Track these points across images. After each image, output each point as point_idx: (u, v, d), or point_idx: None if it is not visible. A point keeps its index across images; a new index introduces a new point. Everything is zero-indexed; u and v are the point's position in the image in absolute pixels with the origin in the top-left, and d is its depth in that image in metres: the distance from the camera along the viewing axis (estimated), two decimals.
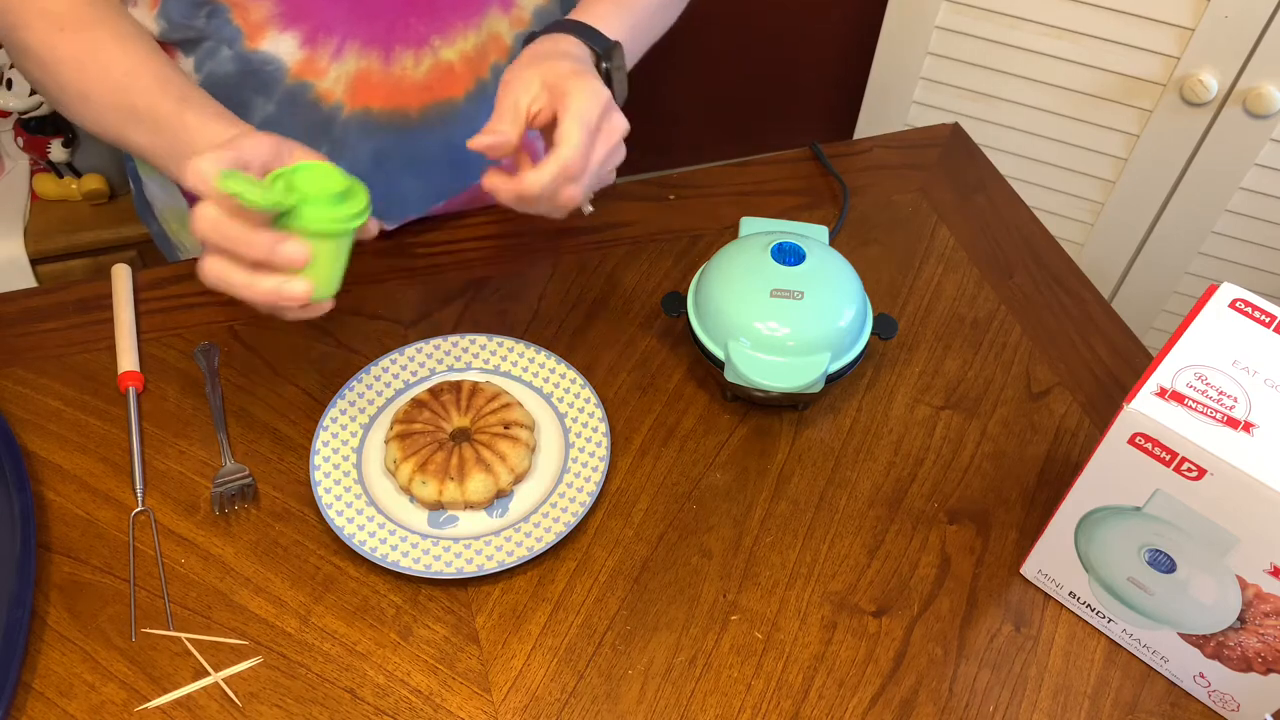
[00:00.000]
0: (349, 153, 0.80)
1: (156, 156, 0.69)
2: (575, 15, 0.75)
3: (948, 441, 0.75)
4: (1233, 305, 0.59)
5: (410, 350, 0.77)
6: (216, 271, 0.59)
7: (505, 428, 0.70)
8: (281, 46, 0.75)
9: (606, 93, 0.66)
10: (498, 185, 0.66)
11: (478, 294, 0.83)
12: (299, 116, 0.78)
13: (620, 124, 0.68)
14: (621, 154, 0.70)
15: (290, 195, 0.58)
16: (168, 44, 0.75)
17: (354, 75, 0.77)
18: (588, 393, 0.75)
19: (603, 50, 0.71)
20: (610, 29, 0.73)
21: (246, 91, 0.76)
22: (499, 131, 0.65)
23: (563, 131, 0.64)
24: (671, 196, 0.93)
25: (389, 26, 0.76)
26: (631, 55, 0.77)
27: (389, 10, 0.76)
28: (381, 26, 0.76)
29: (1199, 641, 0.60)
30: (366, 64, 0.77)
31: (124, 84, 0.68)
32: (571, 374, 0.76)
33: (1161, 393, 0.55)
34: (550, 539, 0.66)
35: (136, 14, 0.75)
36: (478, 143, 0.65)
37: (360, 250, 0.86)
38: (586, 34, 0.72)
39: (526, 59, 0.69)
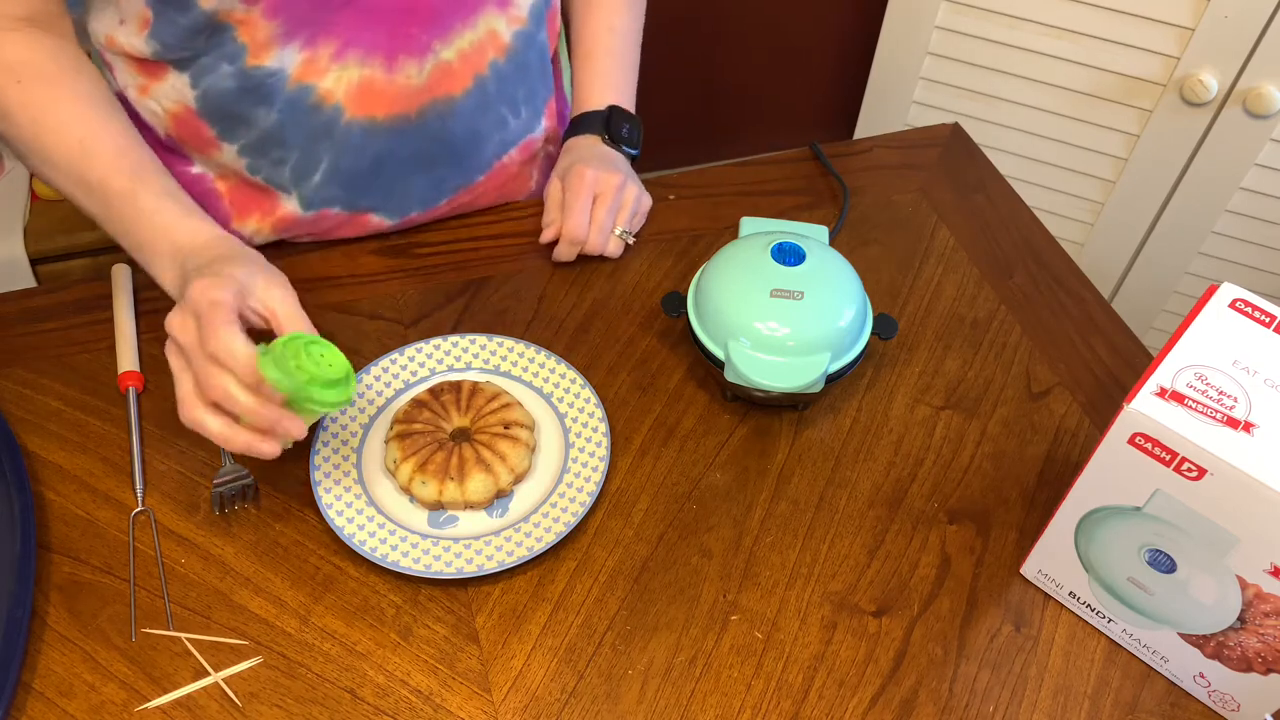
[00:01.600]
0: (350, 154, 0.80)
1: (109, 230, 0.72)
2: (576, 94, 0.93)
3: (948, 441, 0.75)
4: (1233, 305, 0.59)
5: (410, 350, 0.77)
6: (199, 420, 0.63)
7: (505, 428, 0.70)
8: (285, 59, 0.74)
9: (592, 172, 0.84)
10: (558, 252, 0.85)
11: (478, 294, 0.83)
12: (300, 123, 0.78)
13: (612, 182, 0.85)
14: (631, 201, 0.86)
15: (301, 374, 0.62)
16: (160, 62, 0.74)
17: (356, 83, 0.77)
18: (588, 393, 0.75)
19: (601, 128, 0.90)
20: (606, 91, 0.92)
21: (246, 105, 0.76)
22: (551, 221, 0.85)
23: (566, 207, 0.84)
24: (671, 196, 0.93)
25: (390, 34, 0.76)
26: (632, 74, 0.94)
27: (389, 19, 0.75)
28: (383, 34, 0.76)
29: (1199, 641, 0.60)
30: (369, 72, 0.77)
31: (79, 150, 0.70)
32: (571, 374, 0.76)
33: (1161, 393, 0.55)
34: (550, 539, 0.66)
35: (122, 35, 0.74)
36: (546, 237, 0.85)
37: (361, 251, 0.86)
38: (586, 124, 0.90)
39: (555, 171, 0.89)
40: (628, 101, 0.92)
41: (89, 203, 0.71)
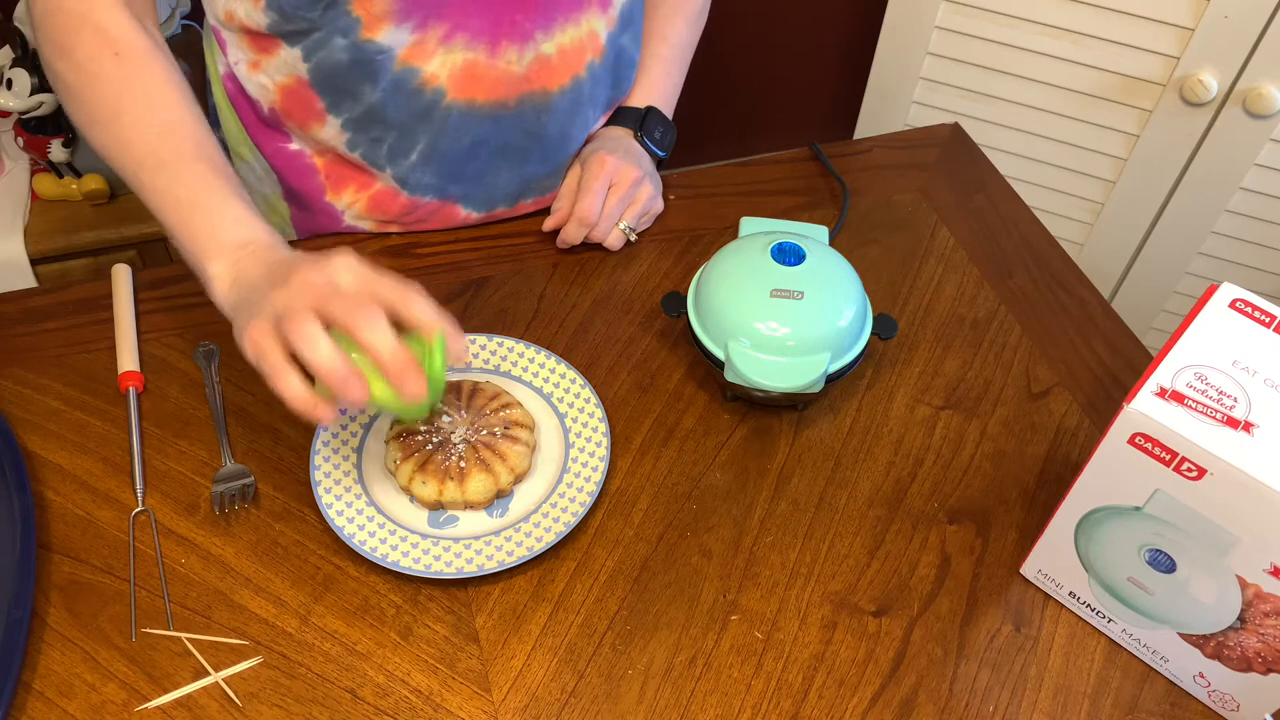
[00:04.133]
0: (448, 138, 0.82)
1: (164, 211, 0.67)
2: (634, 86, 0.94)
3: (948, 441, 0.75)
4: (1233, 305, 0.59)
5: None
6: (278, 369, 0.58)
7: (505, 428, 0.70)
8: (396, 37, 0.76)
9: (614, 160, 0.85)
10: (565, 232, 0.86)
11: (478, 294, 0.83)
12: (401, 104, 0.79)
13: (630, 174, 0.86)
14: (643, 199, 0.87)
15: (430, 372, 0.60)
16: (272, 35, 0.76)
17: (460, 66, 0.79)
18: (588, 393, 0.75)
19: (636, 124, 0.91)
20: (650, 94, 0.93)
21: (355, 79, 0.77)
22: (558, 209, 0.87)
23: (581, 189, 0.85)
24: (671, 196, 0.93)
25: (495, 20, 0.78)
26: (677, 84, 0.96)
27: (497, 3, 0.77)
28: (489, 19, 0.77)
29: (1199, 641, 0.60)
30: (473, 56, 0.78)
31: (160, 128, 0.68)
32: (571, 374, 0.76)
33: (1161, 393, 0.55)
34: (550, 539, 0.66)
35: (241, 9, 0.76)
36: (549, 224, 0.87)
37: (362, 251, 0.86)
38: (622, 117, 0.92)
39: (579, 156, 0.89)
40: (667, 109, 0.94)
41: (154, 175, 0.68)
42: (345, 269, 0.60)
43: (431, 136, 0.81)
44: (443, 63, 0.78)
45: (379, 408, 0.61)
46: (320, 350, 0.57)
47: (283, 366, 0.58)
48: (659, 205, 0.90)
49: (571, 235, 0.85)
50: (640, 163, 0.87)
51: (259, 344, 0.58)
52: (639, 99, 0.93)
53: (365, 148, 0.82)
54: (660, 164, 0.93)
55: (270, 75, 0.79)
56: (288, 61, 0.78)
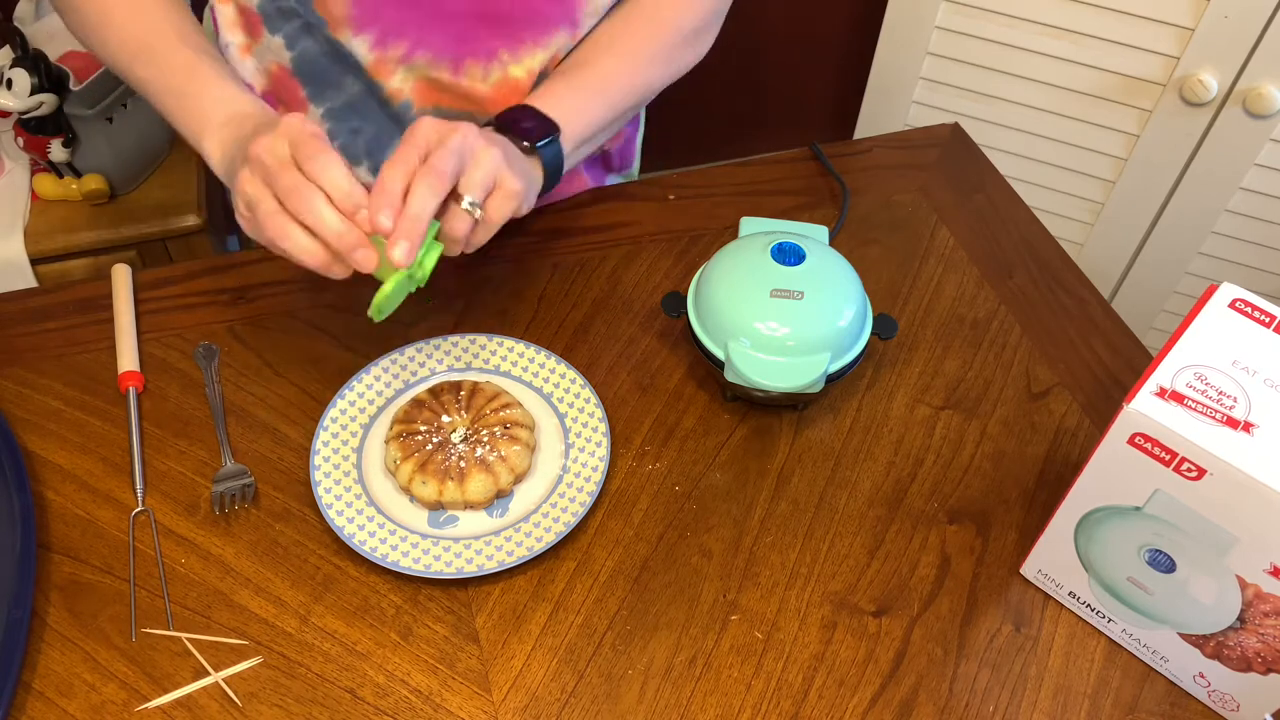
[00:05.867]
0: None
1: (158, 95, 0.73)
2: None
3: (948, 441, 0.75)
4: (1232, 305, 0.59)
5: (410, 350, 0.77)
6: (285, 232, 0.62)
7: (505, 428, 0.70)
8: (356, 46, 0.78)
9: (432, 121, 0.65)
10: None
11: (478, 294, 0.83)
12: (375, 106, 0.81)
13: (452, 132, 0.64)
14: (486, 162, 0.65)
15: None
16: (262, 17, 0.78)
17: (422, 81, 0.80)
18: (588, 393, 0.75)
19: (491, 120, 0.73)
20: (540, 102, 0.75)
21: (334, 72, 0.79)
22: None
23: (384, 167, 0.64)
24: (671, 196, 0.93)
25: (459, 37, 0.77)
26: (584, 111, 0.77)
27: (460, 19, 0.77)
28: (452, 36, 0.77)
29: (1199, 641, 0.60)
30: (436, 74, 0.80)
31: (153, 16, 0.73)
32: (571, 374, 0.76)
33: (1161, 393, 0.55)
34: (550, 539, 0.66)
35: None
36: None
37: None
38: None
39: None
40: (568, 131, 0.75)
41: (145, 69, 0.73)
42: (266, 151, 0.63)
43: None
44: (405, 78, 0.80)
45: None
46: (303, 247, 0.62)
47: (284, 223, 0.62)
48: (516, 183, 0.66)
49: (390, 188, 0.61)
50: (481, 131, 0.67)
51: (247, 194, 0.63)
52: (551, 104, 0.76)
53: (345, 138, 0.84)
54: (548, 174, 0.74)
55: (259, 60, 0.81)
56: (273, 49, 0.79)
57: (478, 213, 0.65)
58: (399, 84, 0.80)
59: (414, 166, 0.63)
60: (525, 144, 0.72)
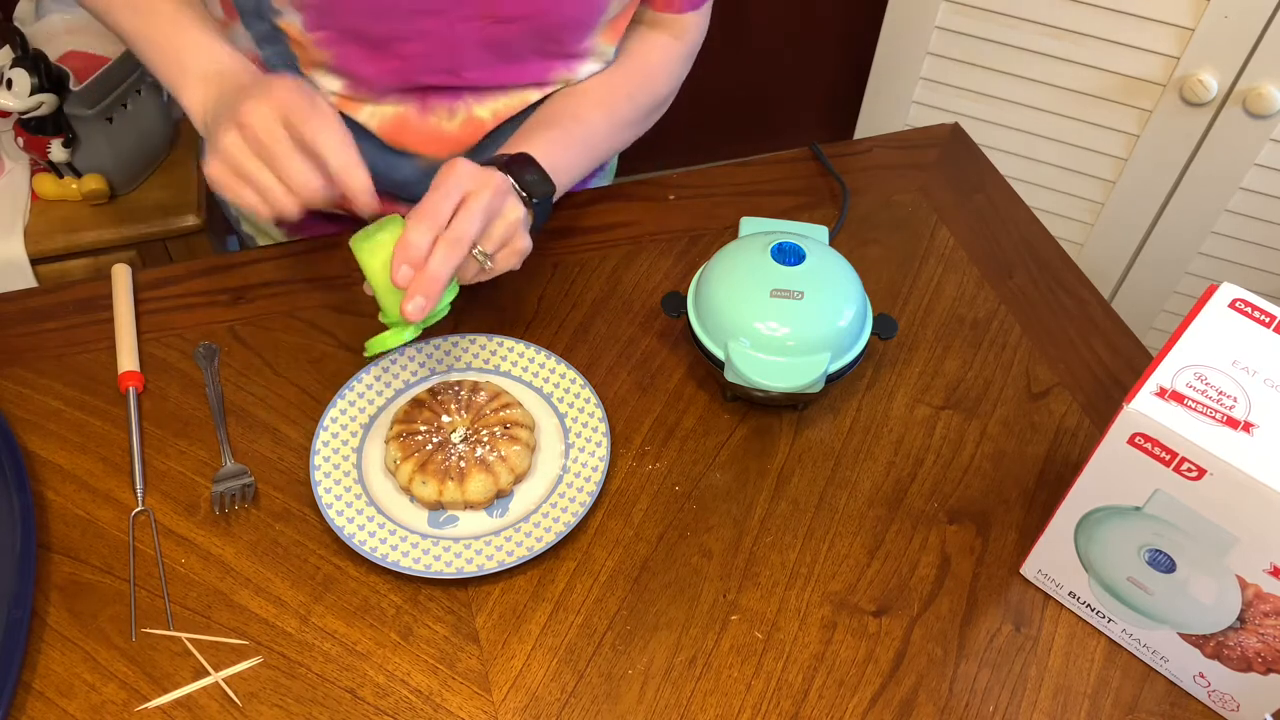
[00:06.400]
0: (397, 171, 0.84)
1: (140, 46, 0.74)
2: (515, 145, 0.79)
3: (948, 441, 0.75)
4: (1233, 305, 0.59)
5: (410, 350, 0.77)
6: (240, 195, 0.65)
7: (505, 428, 0.70)
8: (325, 83, 0.79)
9: (469, 167, 0.67)
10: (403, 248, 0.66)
11: (478, 294, 0.83)
12: (347, 124, 0.81)
13: (489, 181, 0.67)
14: (511, 217, 0.69)
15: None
16: (239, 11, 0.78)
17: (390, 118, 0.81)
18: (588, 393, 0.75)
19: (499, 163, 0.72)
20: (534, 151, 0.76)
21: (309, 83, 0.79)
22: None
23: (423, 199, 0.66)
24: (671, 196, 0.93)
25: (426, 94, 0.80)
26: (570, 166, 0.80)
27: (427, 80, 0.79)
28: (421, 90, 0.80)
29: (1199, 641, 0.60)
30: (403, 110, 0.81)
31: None
32: (571, 374, 0.76)
33: (1161, 393, 0.55)
34: (550, 539, 0.66)
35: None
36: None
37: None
38: (491, 159, 0.74)
39: None
40: (555, 178, 0.76)
41: (129, 19, 0.74)
42: (263, 116, 0.64)
43: (370, 161, 0.76)
44: (372, 114, 0.81)
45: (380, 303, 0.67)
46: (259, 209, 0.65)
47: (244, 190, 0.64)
48: (526, 242, 0.71)
49: (415, 244, 0.63)
50: (509, 188, 0.70)
51: (217, 177, 0.65)
52: (513, 150, 0.77)
53: None
54: (535, 224, 0.74)
55: (236, 42, 0.80)
56: (244, 46, 0.79)
57: (488, 264, 0.68)
58: (365, 118, 0.81)
59: (443, 221, 0.64)
60: (524, 195, 0.72)
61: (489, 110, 0.82)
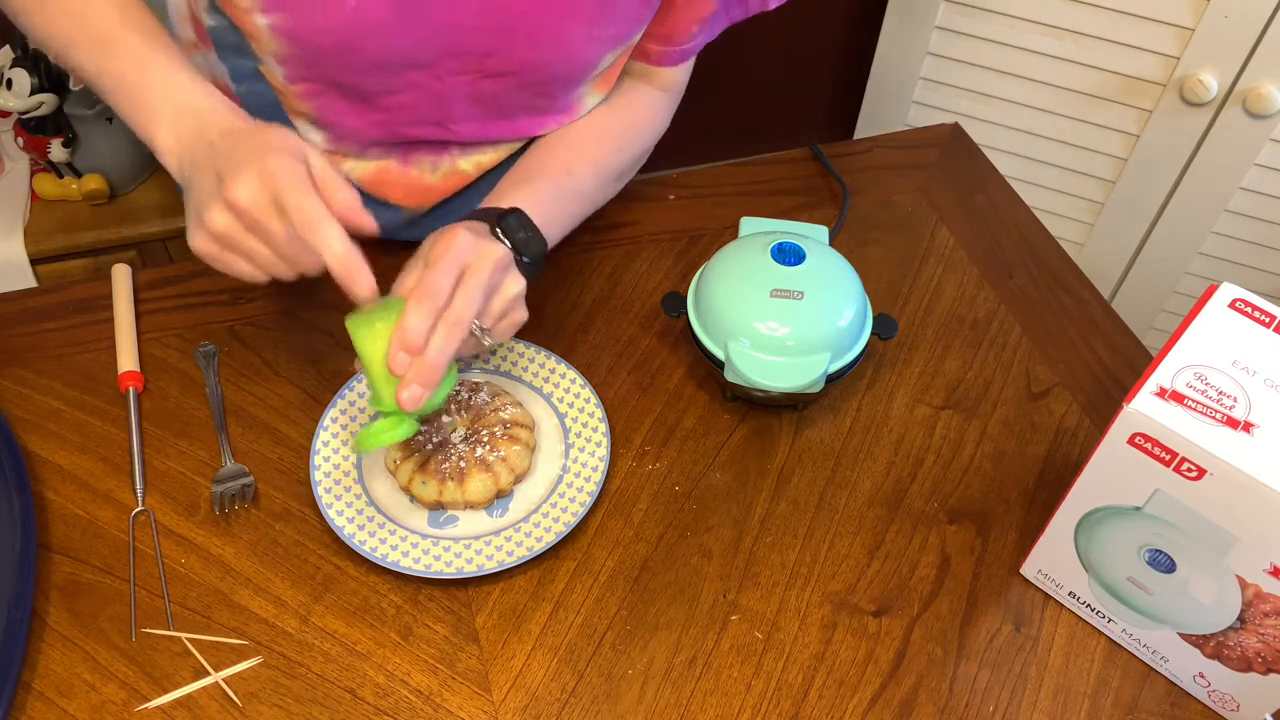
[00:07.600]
0: (377, 217, 0.81)
1: (104, 86, 0.66)
2: (487, 201, 0.75)
3: (948, 441, 0.75)
4: (1232, 305, 0.59)
5: None
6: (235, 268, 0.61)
7: (505, 427, 0.70)
8: (309, 134, 0.78)
9: (469, 236, 0.64)
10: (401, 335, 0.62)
11: None
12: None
13: (490, 254, 0.64)
14: (510, 293, 0.66)
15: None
16: (214, 43, 0.75)
17: (371, 171, 0.80)
18: (588, 393, 0.75)
19: (493, 221, 0.69)
20: (525, 204, 0.73)
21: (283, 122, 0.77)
22: (397, 288, 0.66)
23: (426, 270, 0.63)
24: (671, 196, 0.93)
25: (410, 147, 0.80)
26: (559, 221, 0.77)
27: (414, 133, 0.78)
28: (403, 144, 0.79)
29: (1199, 641, 0.60)
30: (385, 163, 0.80)
31: (82, 6, 0.66)
32: (572, 374, 0.76)
33: (1161, 393, 0.55)
34: (550, 539, 0.66)
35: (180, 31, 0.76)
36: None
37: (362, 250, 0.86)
38: (479, 214, 0.71)
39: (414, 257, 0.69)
40: (546, 234, 0.74)
41: (89, 57, 0.66)
42: (253, 197, 0.59)
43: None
44: (354, 167, 0.80)
45: (378, 405, 0.62)
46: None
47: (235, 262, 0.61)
48: (523, 314, 0.68)
49: (415, 329, 0.60)
50: (505, 256, 0.66)
51: (205, 251, 0.61)
52: (505, 204, 0.73)
53: None
54: (528, 279, 0.71)
55: (205, 68, 0.77)
56: (217, 75, 0.76)
57: (487, 340, 0.66)
58: (349, 169, 0.80)
59: (444, 301, 0.61)
60: (517, 255, 0.69)
61: (472, 163, 0.82)
